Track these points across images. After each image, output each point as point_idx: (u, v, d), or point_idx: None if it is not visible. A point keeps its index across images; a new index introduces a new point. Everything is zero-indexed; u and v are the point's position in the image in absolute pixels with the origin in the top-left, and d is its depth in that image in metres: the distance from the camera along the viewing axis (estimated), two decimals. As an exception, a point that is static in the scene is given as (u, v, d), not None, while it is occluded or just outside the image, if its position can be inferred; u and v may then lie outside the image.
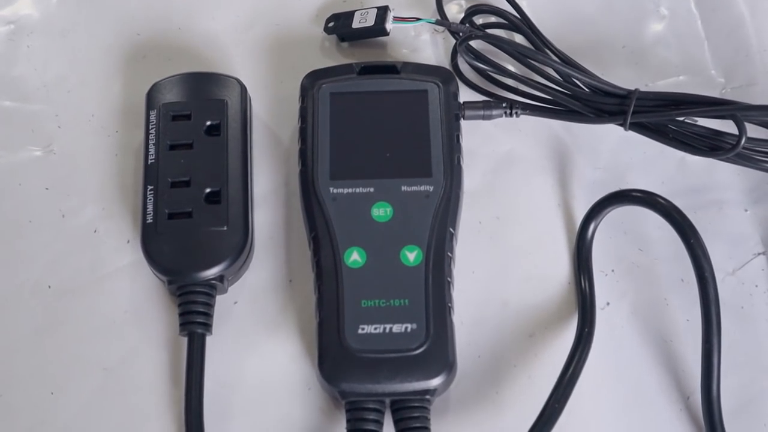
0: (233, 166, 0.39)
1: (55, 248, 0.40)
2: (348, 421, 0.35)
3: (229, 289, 0.39)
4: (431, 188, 0.38)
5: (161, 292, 0.39)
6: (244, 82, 0.42)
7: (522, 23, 0.43)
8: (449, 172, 0.39)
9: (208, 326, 0.37)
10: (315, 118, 0.40)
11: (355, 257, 0.37)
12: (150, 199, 0.38)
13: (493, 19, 0.44)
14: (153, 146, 0.39)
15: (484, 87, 0.43)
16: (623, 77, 0.43)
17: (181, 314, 0.37)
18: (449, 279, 0.37)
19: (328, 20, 0.44)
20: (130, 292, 0.39)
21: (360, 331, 0.36)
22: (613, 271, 0.41)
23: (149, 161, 0.39)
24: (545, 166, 0.42)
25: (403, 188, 0.38)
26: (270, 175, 0.42)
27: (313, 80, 0.41)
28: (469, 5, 0.45)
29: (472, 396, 0.38)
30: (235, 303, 0.39)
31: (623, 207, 0.39)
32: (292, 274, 0.40)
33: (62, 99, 0.44)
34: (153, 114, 0.40)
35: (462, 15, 0.44)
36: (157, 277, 0.38)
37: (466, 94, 0.43)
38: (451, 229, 0.38)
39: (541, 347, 0.39)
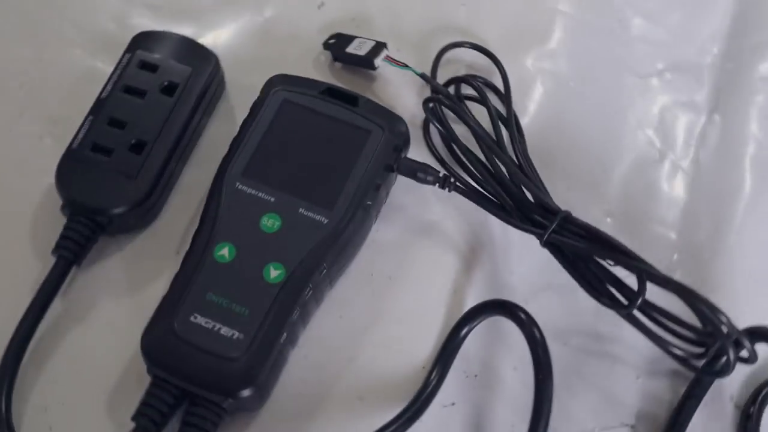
0: (170, 128, 0.41)
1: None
2: (145, 393, 0.36)
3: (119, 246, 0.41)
4: (326, 220, 0.38)
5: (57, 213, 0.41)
6: (231, 60, 0.44)
7: (498, 117, 0.42)
8: (351, 213, 0.39)
9: (78, 257, 0.39)
10: (259, 116, 0.41)
11: (223, 252, 0.38)
12: (84, 127, 0.41)
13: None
14: (111, 83, 0.42)
15: (442, 155, 0.43)
16: (581, 199, 0.42)
17: (60, 237, 0.39)
18: (299, 309, 0.37)
19: (331, 37, 0.45)
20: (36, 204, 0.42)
21: (192, 319, 0.36)
22: (476, 376, 0.39)
23: (102, 95, 0.41)
24: (461, 251, 0.42)
25: (301, 210, 0.38)
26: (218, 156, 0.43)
27: (277, 82, 0.42)
28: (466, 73, 0.45)
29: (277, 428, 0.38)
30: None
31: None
32: (180, 247, 0.41)
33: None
34: (126, 57, 0.42)
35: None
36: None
37: (423, 154, 0.43)
38: (325, 265, 0.38)
39: (365, 412, 0.38)
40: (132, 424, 0.35)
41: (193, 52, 0.43)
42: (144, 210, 0.40)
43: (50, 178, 0.40)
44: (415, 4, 0.48)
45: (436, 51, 0.45)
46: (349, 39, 0.45)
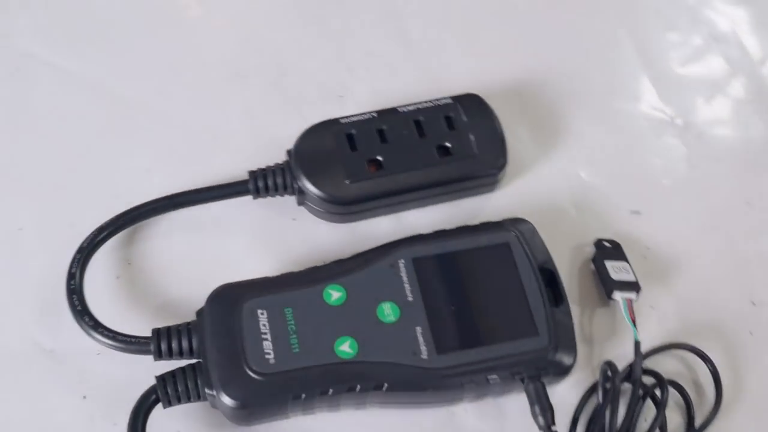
0: (411, 177, 0.41)
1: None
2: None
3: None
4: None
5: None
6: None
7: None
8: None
9: None
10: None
11: (338, 295, 0.37)
12: (360, 116, 0.42)
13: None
14: (415, 106, 0.43)
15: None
16: None
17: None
18: (336, 391, 0.35)
19: (609, 241, 0.41)
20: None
21: (258, 311, 0.36)
22: None
23: (400, 107, 0.43)
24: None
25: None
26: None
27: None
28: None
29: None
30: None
31: None
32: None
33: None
34: (446, 101, 0.43)
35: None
36: None
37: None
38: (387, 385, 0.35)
39: None
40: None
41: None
42: (340, 208, 0.41)
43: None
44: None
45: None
46: (618, 255, 0.41)
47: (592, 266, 0.41)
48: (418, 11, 0.50)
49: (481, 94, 0.44)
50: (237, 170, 0.41)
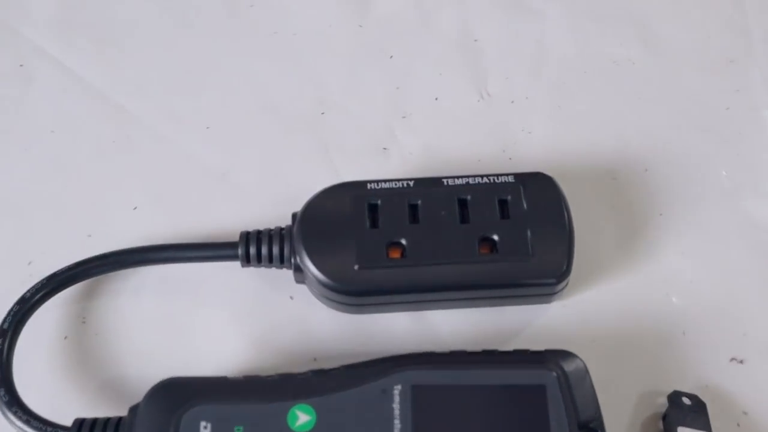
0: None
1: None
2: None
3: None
4: None
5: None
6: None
7: None
8: None
9: None
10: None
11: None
12: (398, 182, 0.33)
13: None
14: (476, 179, 0.33)
15: None
16: None
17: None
18: None
19: (678, 398, 0.31)
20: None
21: (201, 422, 0.28)
22: None
23: (449, 180, 0.33)
24: None
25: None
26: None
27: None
28: None
29: None
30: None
31: None
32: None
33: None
34: (513, 185, 0.33)
35: None
36: None
37: None
38: None
39: None
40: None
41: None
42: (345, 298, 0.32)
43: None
44: None
45: None
46: (699, 420, 0.30)
47: (661, 426, 0.31)
48: (503, 58, 0.41)
49: (563, 172, 0.34)
50: (239, 225, 0.33)
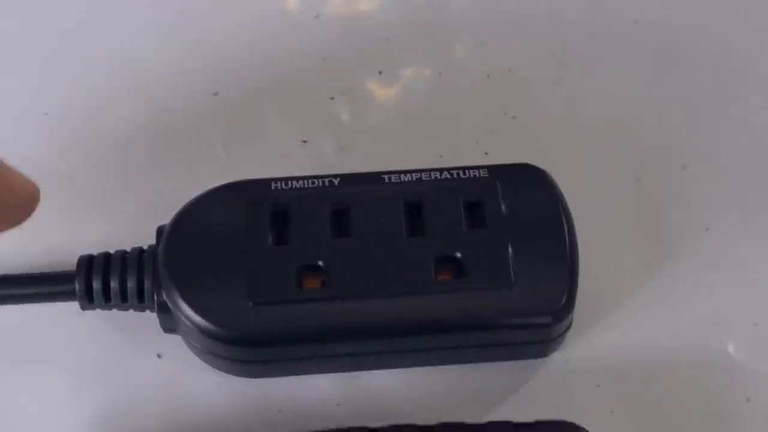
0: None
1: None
2: None
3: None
4: None
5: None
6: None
7: None
8: None
9: None
10: None
11: None
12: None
13: None
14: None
15: None
16: None
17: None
18: None
19: None
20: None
21: None
22: None
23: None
24: None
25: None
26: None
27: None
28: None
29: None
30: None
31: None
32: None
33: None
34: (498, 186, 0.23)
35: None
36: None
37: None
38: None
39: None
40: None
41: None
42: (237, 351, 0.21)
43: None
44: None
45: None
46: None
47: None
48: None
49: (563, 167, 0.24)
50: (81, 246, 0.23)
